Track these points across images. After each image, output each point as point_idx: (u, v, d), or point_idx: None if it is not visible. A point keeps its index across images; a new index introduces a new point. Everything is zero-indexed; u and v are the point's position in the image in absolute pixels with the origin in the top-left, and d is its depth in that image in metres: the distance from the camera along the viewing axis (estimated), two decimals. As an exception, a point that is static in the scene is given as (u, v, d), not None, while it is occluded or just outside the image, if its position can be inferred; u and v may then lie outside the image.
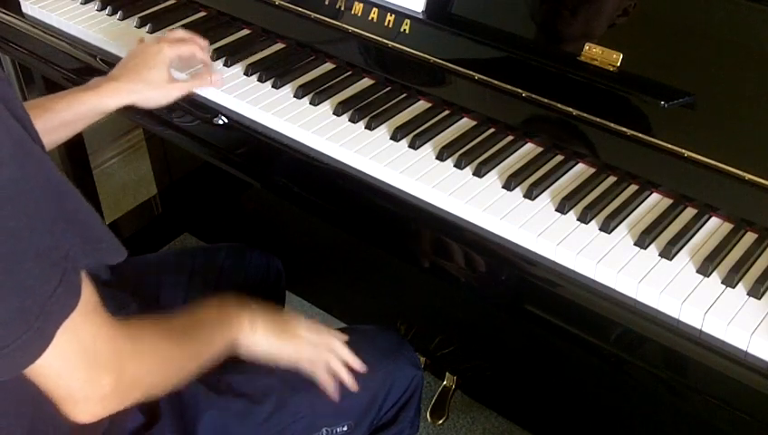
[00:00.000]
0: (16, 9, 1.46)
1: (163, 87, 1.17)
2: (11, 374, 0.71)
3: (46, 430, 0.84)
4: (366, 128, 1.13)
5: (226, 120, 1.19)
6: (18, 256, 0.66)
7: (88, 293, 0.73)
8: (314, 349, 1.04)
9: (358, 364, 1.07)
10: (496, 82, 1.13)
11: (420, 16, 1.20)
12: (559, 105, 1.08)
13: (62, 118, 1.09)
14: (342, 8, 1.26)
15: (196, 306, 0.95)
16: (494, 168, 1.07)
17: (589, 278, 0.93)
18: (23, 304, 0.67)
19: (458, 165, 1.07)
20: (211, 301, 0.98)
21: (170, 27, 1.37)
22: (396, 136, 1.11)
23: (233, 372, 1.06)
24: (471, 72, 1.15)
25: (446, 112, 1.17)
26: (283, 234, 1.90)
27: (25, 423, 0.81)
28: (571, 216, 1.00)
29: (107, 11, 1.42)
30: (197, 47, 1.22)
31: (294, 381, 1.07)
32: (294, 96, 1.20)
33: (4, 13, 1.47)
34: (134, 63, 1.17)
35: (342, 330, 1.26)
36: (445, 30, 1.19)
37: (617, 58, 1.05)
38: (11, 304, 0.67)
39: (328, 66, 1.28)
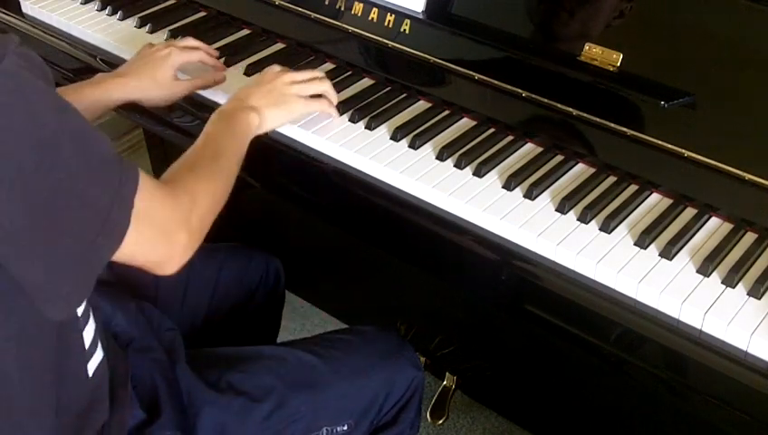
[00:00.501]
0: (16, 9, 1.47)
1: (169, 86, 1.18)
2: (62, 316, 0.77)
3: (63, 412, 0.85)
4: (366, 128, 1.13)
5: (226, 120, 1.19)
6: (65, 207, 0.70)
7: (145, 178, 0.78)
8: (310, 102, 1.12)
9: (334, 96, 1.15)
10: (496, 82, 1.13)
11: (420, 16, 1.20)
12: (559, 105, 1.08)
13: None
14: (342, 8, 1.26)
15: (207, 130, 1.02)
16: (494, 168, 1.07)
17: (589, 278, 0.93)
18: (69, 254, 0.72)
19: (458, 165, 1.07)
20: (217, 119, 1.04)
21: (170, 27, 1.37)
22: (396, 136, 1.11)
23: (233, 370, 1.06)
24: (471, 72, 1.15)
25: (446, 112, 1.17)
26: (283, 234, 1.90)
27: (51, 401, 0.82)
28: (571, 216, 1.00)
29: (107, 11, 1.42)
30: (206, 54, 1.23)
31: (295, 381, 1.07)
32: (294, 96, 1.20)
33: (4, 13, 1.47)
34: (143, 62, 1.18)
35: (342, 330, 1.27)
36: (445, 30, 1.19)
37: (617, 58, 1.05)
38: (61, 256, 0.71)
39: (328, 66, 1.28)
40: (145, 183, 0.78)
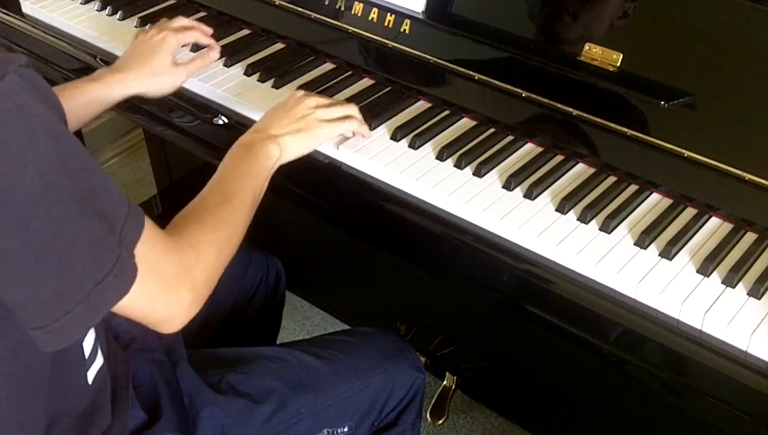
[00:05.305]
0: (16, 9, 1.46)
1: (169, 72, 1.17)
2: (54, 348, 0.72)
3: (63, 419, 0.84)
4: (366, 128, 1.13)
5: (226, 120, 1.19)
6: (66, 240, 0.67)
7: (149, 226, 0.75)
8: (334, 124, 1.06)
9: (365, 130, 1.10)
10: (496, 82, 1.13)
11: (420, 16, 1.20)
12: (559, 105, 1.08)
13: (67, 107, 1.08)
14: (342, 8, 1.26)
15: (224, 166, 0.97)
16: (494, 168, 1.07)
17: (589, 278, 0.93)
18: (66, 287, 0.68)
19: (458, 165, 1.07)
20: (235, 152, 1.00)
21: (170, 27, 1.37)
22: (396, 136, 1.11)
23: (234, 371, 1.06)
24: (471, 72, 1.15)
25: (446, 112, 1.17)
26: (283, 234, 1.90)
27: (43, 412, 0.82)
28: (571, 216, 1.00)
29: (107, 11, 1.42)
30: (200, 33, 1.23)
31: (296, 382, 1.07)
32: (294, 96, 1.20)
33: (4, 13, 1.47)
34: (139, 53, 1.17)
35: (343, 332, 1.27)
36: (445, 30, 1.19)
37: (617, 58, 1.05)
38: (53, 285, 0.68)
39: (328, 66, 1.28)
40: (149, 231, 0.75)
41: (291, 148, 1.02)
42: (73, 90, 1.10)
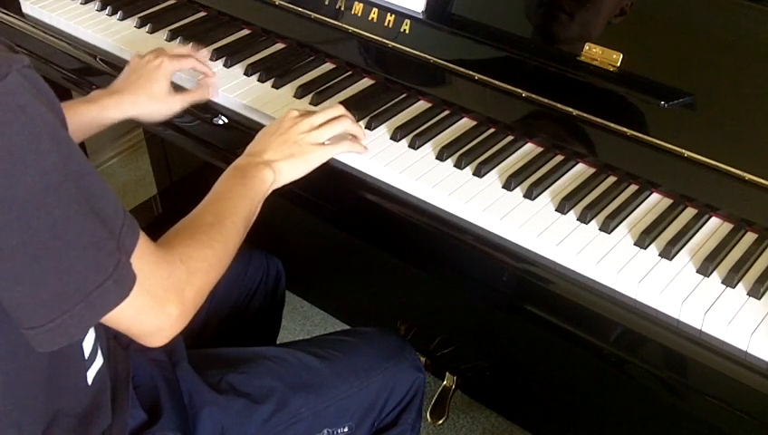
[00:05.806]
0: (16, 9, 1.47)
1: (165, 100, 1.17)
2: (50, 348, 0.72)
3: (62, 419, 0.85)
4: (366, 128, 1.13)
5: (226, 120, 1.19)
6: (67, 241, 0.67)
7: (142, 238, 0.76)
8: (327, 148, 1.06)
9: (358, 131, 1.11)
10: (496, 82, 1.13)
11: (420, 16, 1.20)
12: (559, 105, 1.08)
13: None
14: (342, 8, 1.26)
15: (218, 188, 0.98)
16: (494, 168, 1.07)
17: (589, 278, 0.93)
18: (64, 288, 0.69)
19: (458, 165, 1.07)
20: (230, 175, 1.00)
21: (170, 27, 1.37)
22: (396, 136, 1.11)
23: (234, 371, 1.06)
24: (471, 72, 1.15)
25: (446, 112, 1.17)
26: (283, 234, 1.89)
27: (42, 412, 0.82)
28: (571, 216, 1.00)
29: (107, 11, 1.42)
30: (197, 62, 1.23)
31: (296, 382, 1.07)
32: (294, 96, 1.20)
33: (4, 13, 1.47)
34: (136, 77, 1.17)
35: (343, 332, 1.27)
36: (445, 30, 1.19)
37: (617, 58, 1.05)
38: (52, 286, 0.68)
39: (328, 66, 1.28)
40: (142, 243, 0.76)
41: (285, 173, 1.03)
42: (69, 110, 1.09)
